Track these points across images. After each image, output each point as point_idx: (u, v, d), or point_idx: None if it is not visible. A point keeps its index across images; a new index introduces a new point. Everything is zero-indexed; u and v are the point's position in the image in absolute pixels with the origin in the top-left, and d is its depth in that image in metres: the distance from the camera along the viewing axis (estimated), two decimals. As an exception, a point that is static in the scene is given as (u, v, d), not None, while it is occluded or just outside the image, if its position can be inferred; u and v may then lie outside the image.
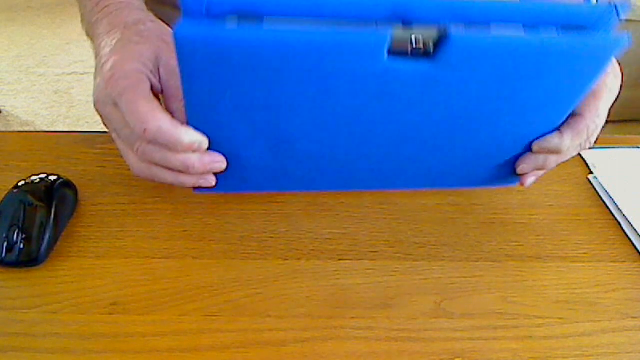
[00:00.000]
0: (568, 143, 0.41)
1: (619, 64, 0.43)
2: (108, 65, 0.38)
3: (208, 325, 0.39)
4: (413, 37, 0.32)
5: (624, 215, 0.50)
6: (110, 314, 0.39)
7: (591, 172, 0.56)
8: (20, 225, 0.42)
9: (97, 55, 0.41)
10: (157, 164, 0.39)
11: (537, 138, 0.42)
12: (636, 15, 1.53)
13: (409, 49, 0.33)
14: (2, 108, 1.94)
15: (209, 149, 0.39)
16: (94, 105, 0.39)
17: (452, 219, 0.49)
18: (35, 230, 0.42)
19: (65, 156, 0.53)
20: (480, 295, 0.43)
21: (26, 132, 1.11)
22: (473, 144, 0.42)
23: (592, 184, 0.54)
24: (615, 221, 0.50)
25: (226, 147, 0.40)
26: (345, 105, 0.36)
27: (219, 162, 0.40)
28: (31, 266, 0.42)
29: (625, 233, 0.49)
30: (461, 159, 0.44)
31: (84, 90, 2.07)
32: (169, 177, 0.40)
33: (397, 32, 0.32)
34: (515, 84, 0.35)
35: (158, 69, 0.39)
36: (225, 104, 0.35)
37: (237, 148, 0.40)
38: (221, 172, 0.41)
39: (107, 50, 0.39)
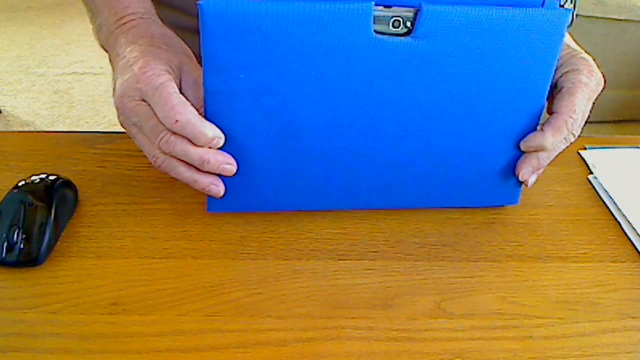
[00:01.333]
0: (550, 139, 0.44)
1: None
2: (139, 64, 0.41)
3: (208, 325, 0.39)
4: (393, 18, 0.38)
5: (624, 215, 0.50)
6: (110, 314, 0.39)
7: (591, 172, 0.56)
8: (20, 225, 0.42)
9: (121, 58, 0.43)
10: (176, 157, 0.42)
11: (521, 138, 0.46)
12: (636, 15, 1.54)
13: (391, 28, 0.39)
14: (2, 108, 1.94)
15: (223, 150, 0.42)
16: (117, 99, 0.42)
17: (452, 219, 0.49)
18: (35, 230, 0.42)
19: (65, 156, 0.53)
20: (480, 295, 0.43)
21: (26, 132, 1.11)
22: (461, 137, 0.44)
23: (592, 184, 0.54)
24: (615, 221, 0.50)
25: (238, 146, 0.42)
26: (341, 89, 0.41)
27: (230, 164, 0.43)
28: (31, 266, 0.42)
29: (625, 233, 0.49)
30: (453, 160, 0.46)
31: (84, 90, 2.07)
32: (185, 171, 0.43)
33: (379, 14, 0.38)
34: (485, 59, 0.41)
35: (180, 78, 0.43)
36: (240, 87, 0.39)
37: (249, 145, 0.42)
38: (231, 175, 0.43)
39: (135, 53, 0.43)
